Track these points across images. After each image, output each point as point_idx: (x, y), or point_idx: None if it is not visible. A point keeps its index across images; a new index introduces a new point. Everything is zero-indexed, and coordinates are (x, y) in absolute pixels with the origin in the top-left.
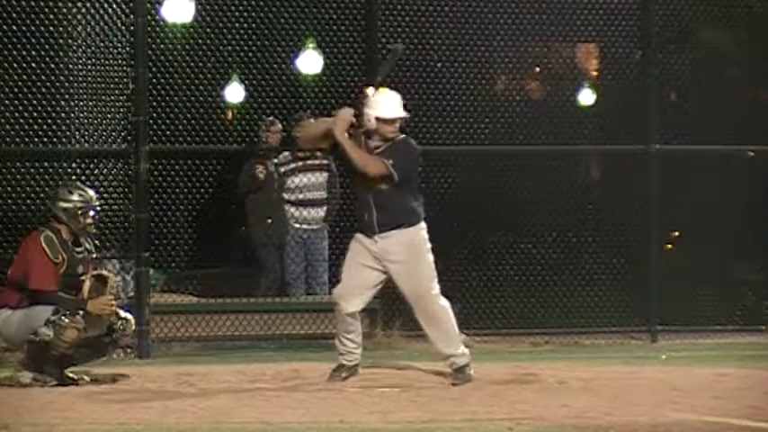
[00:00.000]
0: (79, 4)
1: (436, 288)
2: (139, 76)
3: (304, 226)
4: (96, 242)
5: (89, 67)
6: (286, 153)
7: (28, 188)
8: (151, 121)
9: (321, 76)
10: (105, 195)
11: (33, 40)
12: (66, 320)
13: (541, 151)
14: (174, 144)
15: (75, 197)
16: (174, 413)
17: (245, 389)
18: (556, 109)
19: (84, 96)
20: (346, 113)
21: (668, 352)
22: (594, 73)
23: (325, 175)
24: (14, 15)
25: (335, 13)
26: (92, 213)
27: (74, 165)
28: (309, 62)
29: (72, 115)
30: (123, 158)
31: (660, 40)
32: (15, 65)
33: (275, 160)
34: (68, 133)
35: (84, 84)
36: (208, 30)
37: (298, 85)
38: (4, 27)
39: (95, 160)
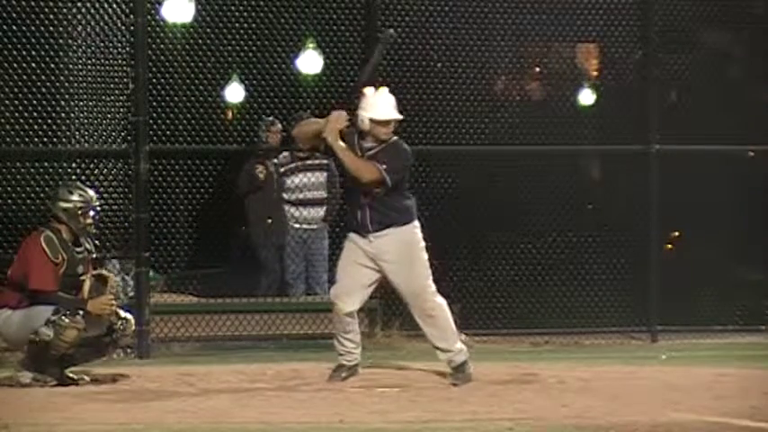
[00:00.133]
0: (79, 4)
1: (432, 285)
2: (139, 76)
3: (304, 226)
4: (96, 242)
5: (89, 67)
6: (286, 153)
7: (28, 188)
8: (151, 121)
9: (321, 76)
10: (105, 195)
11: (33, 40)
12: (67, 320)
13: (541, 151)
14: (174, 144)
15: (75, 197)
16: (174, 413)
17: (245, 389)
18: (556, 109)
19: (84, 96)
20: (338, 116)
21: (668, 352)
22: (594, 73)
23: (325, 174)
24: (14, 15)
25: (335, 13)
26: (92, 213)
27: (74, 165)
28: (309, 62)
29: (72, 115)
30: (123, 158)
31: (660, 40)
32: (15, 65)
33: (275, 160)
34: (68, 133)
35: (84, 84)
36: (208, 30)
37: (298, 85)
38: (4, 27)
39: (95, 160)
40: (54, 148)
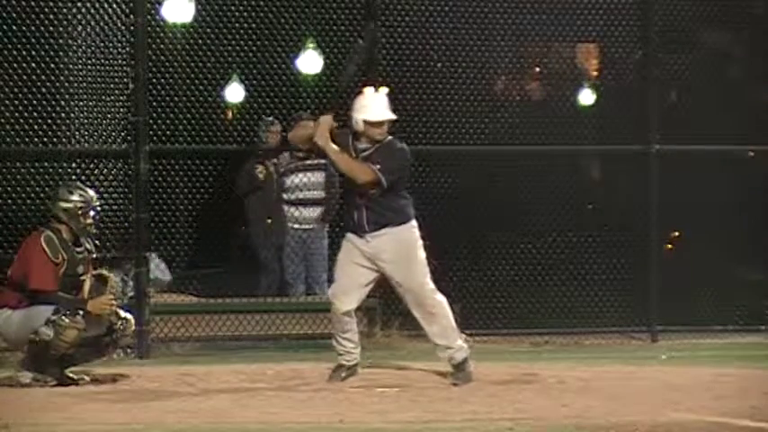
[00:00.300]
0: (79, 4)
1: (430, 283)
2: (139, 76)
3: (304, 226)
4: (96, 242)
5: (89, 67)
6: (285, 153)
7: (28, 188)
8: (151, 121)
9: (321, 76)
10: (105, 195)
11: (33, 40)
12: (67, 320)
13: (541, 151)
14: (174, 144)
15: (75, 197)
16: (174, 413)
17: (245, 389)
18: (556, 109)
19: (84, 96)
20: (324, 120)
21: (668, 352)
22: (594, 73)
23: (323, 174)
24: (14, 15)
25: (335, 13)
26: (92, 213)
27: (74, 165)
28: (309, 62)
29: (72, 115)
30: (123, 158)
31: (660, 40)
32: (15, 65)
33: (274, 160)
34: (68, 133)
35: (84, 84)
36: (208, 30)
37: (298, 85)
38: (4, 27)
39: (95, 160)
40: (54, 148)
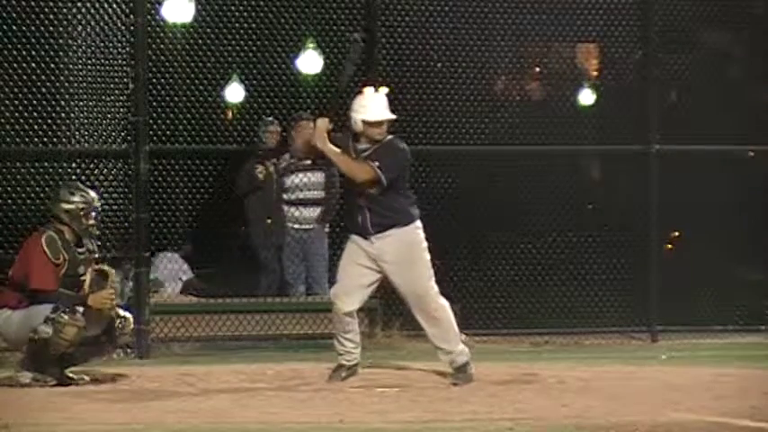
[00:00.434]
0: (79, 4)
1: (434, 287)
2: (139, 76)
3: (304, 226)
4: (98, 243)
5: (89, 67)
6: (286, 153)
7: (28, 188)
8: (151, 121)
9: (321, 76)
10: (105, 195)
11: (33, 40)
12: (66, 317)
13: (541, 151)
14: (174, 144)
15: (76, 198)
16: (174, 413)
17: (245, 389)
18: (556, 109)
19: (84, 96)
20: (321, 122)
21: (668, 352)
22: (594, 73)
23: (322, 174)
24: (14, 15)
25: (335, 13)
26: (93, 214)
27: (74, 165)
28: (309, 62)
29: (72, 115)
30: (123, 158)
31: (660, 40)
32: (15, 65)
33: (274, 160)
34: (68, 133)
35: (84, 84)
36: (208, 30)
37: (298, 85)
38: (4, 27)
39: (95, 160)
40: (54, 148)
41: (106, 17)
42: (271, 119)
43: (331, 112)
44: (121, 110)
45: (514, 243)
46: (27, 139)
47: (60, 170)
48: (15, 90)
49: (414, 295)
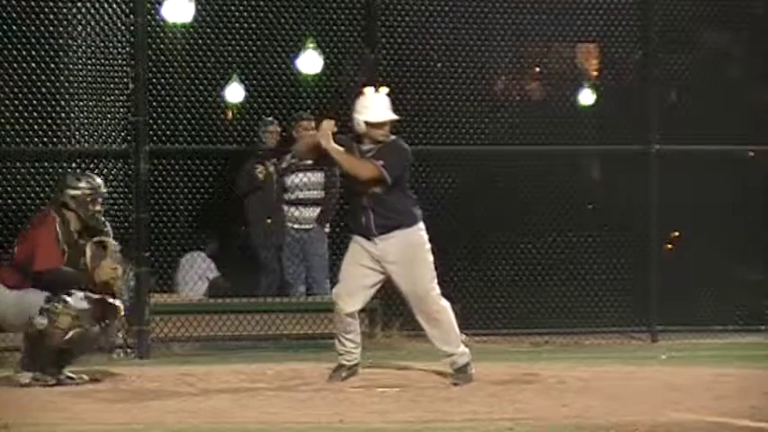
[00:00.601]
0: (79, 4)
1: (436, 288)
2: (139, 76)
3: (304, 226)
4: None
5: (89, 67)
6: (287, 153)
7: (28, 188)
8: (151, 121)
9: (321, 76)
10: (105, 195)
11: (33, 40)
12: (60, 307)
13: (541, 151)
14: (174, 144)
15: (83, 184)
16: (174, 413)
17: (245, 389)
18: (556, 109)
19: (84, 96)
20: (327, 123)
21: (668, 352)
22: (594, 73)
23: (322, 174)
24: (14, 15)
25: (335, 13)
26: (100, 200)
27: (74, 165)
28: (309, 62)
29: (72, 115)
30: (123, 158)
31: (660, 40)
32: (15, 65)
33: (274, 160)
34: (68, 133)
35: (84, 84)
36: (208, 30)
37: (298, 85)
38: (4, 27)
39: (95, 160)
40: (54, 148)
41: (106, 17)
42: (271, 119)
43: (336, 115)
44: (121, 110)
45: (514, 243)
46: (27, 139)
47: (60, 170)
48: (15, 90)
49: (415, 296)
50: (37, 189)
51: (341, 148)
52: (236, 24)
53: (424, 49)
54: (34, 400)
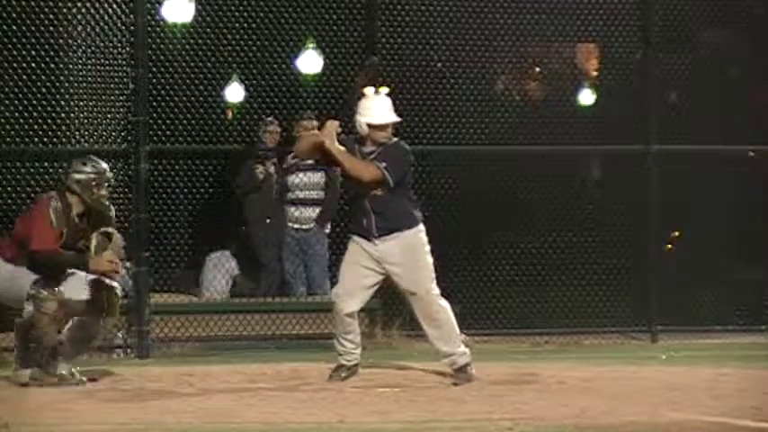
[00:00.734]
0: (79, 4)
1: (435, 289)
2: (139, 76)
3: (304, 226)
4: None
5: (89, 67)
6: (289, 153)
7: (28, 188)
8: (151, 121)
9: (321, 76)
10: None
11: (33, 40)
12: (45, 292)
13: (541, 151)
14: (174, 144)
15: (88, 168)
16: (173, 413)
17: (245, 389)
18: (556, 109)
19: (85, 96)
20: (331, 123)
21: (668, 352)
22: (594, 73)
23: (323, 174)
24: (14, 15)
25: (335, 13)
26: (106, 185)
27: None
28: (309, 62)
29: (72, 115)
30: (123, 158)
31: (660, 40)
32: (15, 65)
33: (274, 160)
34: (68, 133)
35: (84, 84)
36: (208, 30)
37: (298, 85)
38: (4, 27)
39: None
40: (54, 148)
41: (106, 17)
42: (271, 119)
43: (337, 114)
44: (121, 110)
45: (514, 243)
46: (27, 139)
47: (60, 170)
48: (15, 90)
49: (415, 297)
50: (37, 189)
51: (344, 149)
52: (236, 24)
53: (425, 49)
54: (34, 400)
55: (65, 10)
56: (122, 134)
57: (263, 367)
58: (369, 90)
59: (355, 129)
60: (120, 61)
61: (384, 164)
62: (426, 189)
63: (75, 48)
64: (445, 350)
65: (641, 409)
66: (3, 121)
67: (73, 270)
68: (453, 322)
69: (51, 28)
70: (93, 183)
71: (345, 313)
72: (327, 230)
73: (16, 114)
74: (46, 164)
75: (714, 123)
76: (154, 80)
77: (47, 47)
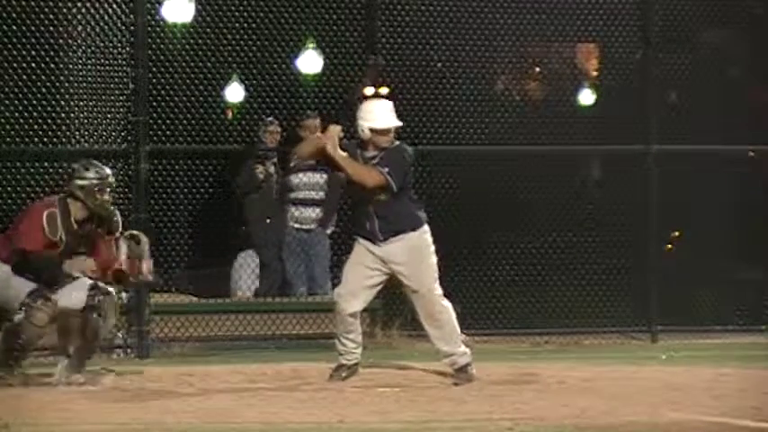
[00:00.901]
0: (79, 4)
1: (438, 288)
2: (139, 76)
3: (305, 226)
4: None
5: (89, 67)
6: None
7: (28, 188)
8: (151, 121)
9: (321, 76)
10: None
11: (33, 40)
12: (38, 303)
13: (541, 151)
14: (174, 144)
15: (90, 174)
16: (173, 413)
17: (245, 389)
18: (556, 109)
19: (85, 96)
20: (334, 129)
21: (668, 352)
22: (594, 73)
23: (324, 175)
24: (14, 15)
25: (335, 13)
26: (108, 190)
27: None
28: (309, 62)
29: (72, 115)
30: (123, 158)
31: (660, 40)
32: (15, 65)
33: (274, 160)
34: (68, 133)
35: (84, 84)
36: (208, 30)
37: (298, 85)
38: (4, 27)
39: (95, 160)
40: (54, 148)
41: (106, 17)
42: (271, 119)
43: (342, 121)
44: (121, 110)
45: (514, 243)
46: (27, 139)
47: (60, 170)
48: (15, 90)
49: (418, 296)
50: (37, 189)
51: (346, 155)
52: (236, 24)
53: (425, 49)
54: (34, 400)
55: (65, 10)
56: (122, 134)
57: (263, 367)
58: (369, 91)
59: (356, 131)
60: (120, 61)
61: (387, 169)
62: (426, 189)
63: (75, 48)
64: (446, 350)
65: (641, 409)
66: (3, 121)
67: (78, 275)
68: (455, 323)
69: (51, 28)
70: (96, 188)
71: (348, 313)
72: (329, 231)
73: (16, 114)
74: (46, 164)
75: (714, 123)
76: (154, 80)
77: (47, 47)
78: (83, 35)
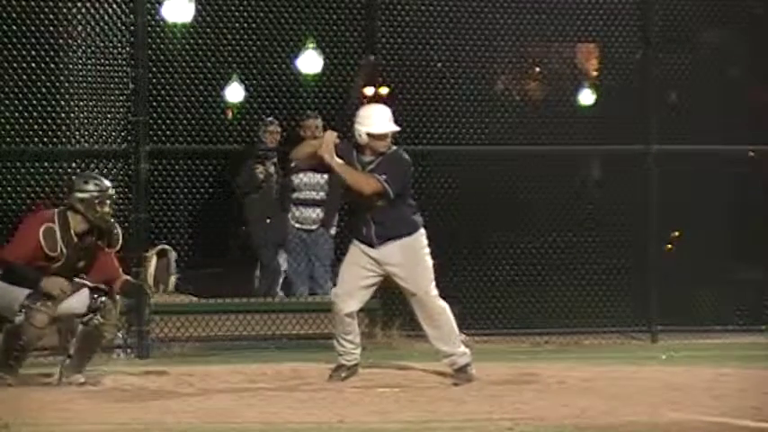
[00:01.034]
0: (79, 4)
1: (434, 290)
2: (139, 77)
3: (306, 226)
4: (116, 231)
5: (89, 67)
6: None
7: (28, 188)
8: (151, 121)
9: (321, 76)
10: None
11: (33, 40)
12: (37, 305)
13: (541, 152)
14: (174, 144)
15: (90, 187)
16: (173, 413)
17: (245, 389)
18: (556, 109)
19: (85, 96)
20: (330, 135)
21: (668, 352)
22: (594, 73)
23: (323, 174)
24: (14, 15)
25: (335, 13)
26: (108, 202)
27: (74, 165)
28: (309, 62)
29: (72, 115)
30: (123, 158)
31: (660, 40)
32: (15, 65)
33: (274, 160)
34: (68, 133)
35: (85, 84)
36: (208, 30)
37: (298, 85)
38: (4, 27)
39: (95, 160)
40: (54, 148)
41: (106, 17)
42: (271, 119)
43: (339, 122)
44: (121, 110)
45: (514, 243)
46: (27, 139)
47: (60, 170)
48: (15, 90)
49: (415, 298)
50: (37, 189)
51: (343, 162)
52: (236, 24)
53: (425, 49)
54: (34, 400)
55: (65, 10)
56: (122, 134)
57: (263, 367)
58: (369, 91)
59: (353, 133)
60: (120, 61)
61: (384, 176)
62: (426, 189)
63: (75, 48)
64: (445, 350)
65: (641, 409)
66: (3, 121)
67: (56, 293)
68: (453, 323)
69: (51, 28)
70: (97, 201)
71: (345, 313)
72: (333, 232)
73: (16, 114)
74: (46, 164)
75: (714, 123)
76: (154, 80)
77: (47, 47)
78: (83, 35)
